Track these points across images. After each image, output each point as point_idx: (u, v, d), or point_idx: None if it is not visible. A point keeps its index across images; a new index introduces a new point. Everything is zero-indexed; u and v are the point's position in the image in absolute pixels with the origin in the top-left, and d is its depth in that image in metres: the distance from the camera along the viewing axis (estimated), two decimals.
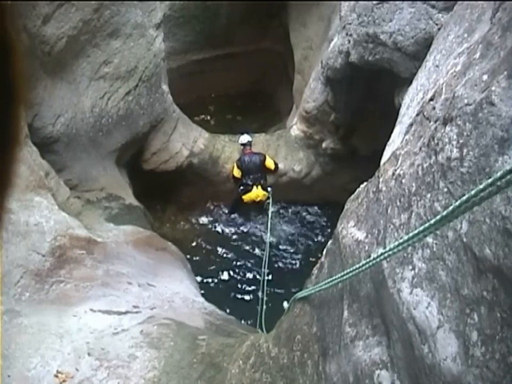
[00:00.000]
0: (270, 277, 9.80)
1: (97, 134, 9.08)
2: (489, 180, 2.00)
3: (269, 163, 11.04)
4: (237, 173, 11.07)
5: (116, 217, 8.72)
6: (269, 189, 11.16)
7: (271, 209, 11.07)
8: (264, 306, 8.43)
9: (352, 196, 4.33)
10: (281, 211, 12.19)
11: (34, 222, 6.16)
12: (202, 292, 8.87)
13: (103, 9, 8.34)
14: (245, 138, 11.42)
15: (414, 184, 3.03)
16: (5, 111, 0.57)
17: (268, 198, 11.15)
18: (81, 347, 5.33)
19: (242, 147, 11.42)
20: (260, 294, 9.17)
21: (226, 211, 12.24)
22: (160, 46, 9.95)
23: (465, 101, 2.67)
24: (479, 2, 3.93)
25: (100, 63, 8.80)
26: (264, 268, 9.60)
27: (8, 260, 5.69)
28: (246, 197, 11.07)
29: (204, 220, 12.13)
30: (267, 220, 10.95)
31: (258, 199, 11.08)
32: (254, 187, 10.94)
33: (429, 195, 2.83)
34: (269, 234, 10.58)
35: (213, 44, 15.00)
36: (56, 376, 4.90)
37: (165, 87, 10.54)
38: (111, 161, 9.62)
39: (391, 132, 5.18)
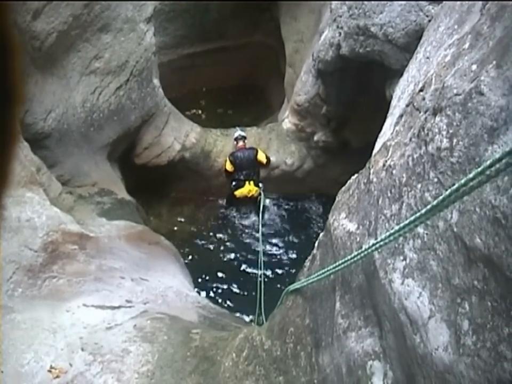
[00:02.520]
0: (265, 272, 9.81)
1: (88, 129, 9.06)
2: (479, 169, 2.00)
3: (261, 157, 11.08)
4: (229, 167, 11.11)
5: (108, 212, 8.71)
6: (260, 184, 11.20)
7: (262, 203, 11.12)
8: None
9: (344, 188, 4.34)
10: (273, 204, 12.19)
11: (26, 217, 6.14)
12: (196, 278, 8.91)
13: (93, 4, 8.31)
14: (238, 133, 11.43)
15: (404, 175, 3.04)
16: (3, 109, 0.58)
17: (260, 193, 11.20)
18: (75, 342, 5.33)
19: (235, 142, 11.43)
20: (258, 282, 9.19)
21: (223, 204, 12.27)
22: (151, 40, 9.92)
23: (455, 91, 2.68)
24: None
25: (91, 58, 8.78)
26: (260, 260, 9.65)
27: (0, 256, 5.69)
28: (238, 193, 11.12)
29: (196, 213, 12.13)
30: (260, 213, 11.02)
31: (251, 194, 11.14)
32: (246, 183, 10.99)
33: (419, 185, 2.84)
34: (260, 227, 10.65)
35: (204, 38, 14.99)
36: (49, 371, 4.89)
37: (156, 82, 10.52)
38: (103, 156, 9.60)
39: (383, 124, 5.18)
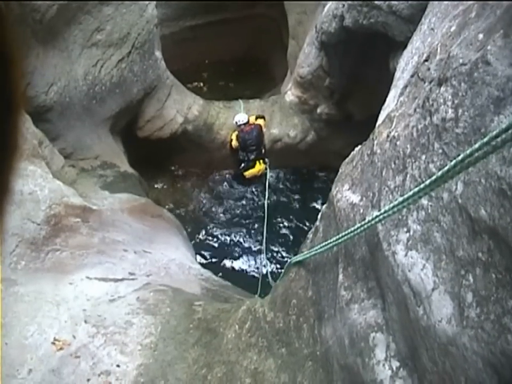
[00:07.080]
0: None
1: (90, 102, 9.03)
2: (485, 139, 1.97)
3: (263, 126, 10.94)
4: (235, 144, 10.97)
5: (111, 185, 8.71)
6: (267, 159, 11.15)
7: (268, 177, 11.09)
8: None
9: (347, 159, 4.30)
10: (277, 176, 12.17)
11: (28, 190, 6.13)
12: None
13: None
14: (241, 118, 11.06)
15: (408, 146, 3.01)
16: (4, 119, 0.56)
17: (266, 168, 11.15)
18: (78, 314, 5.35)
19: (239, 127, 11.17)
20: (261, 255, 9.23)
21: (226, 177, 12.25)
22: (153, 12, 9.84)
23: (461, 61, 2.64)
24: None
25: (92, 30, 8.71)
26: (264, 233, 9.68)
27: (3, 229, 5.68)
28: (248, 173, 10.97)
29: (199, 186, 12.12)
30: (265, 187, 11.01)
31: (260, 172, 11.03)
32: (257, 162, 10.86)
33: (423, 157, 2.81)
34: (266, 201, 10.65)
35: (206, 10, 14.88)
36: (53, 343, 4.92)
37: (158, 54, 10.45)
38: (105, 129, 9.58)
39: (386, 96, 5.14)
